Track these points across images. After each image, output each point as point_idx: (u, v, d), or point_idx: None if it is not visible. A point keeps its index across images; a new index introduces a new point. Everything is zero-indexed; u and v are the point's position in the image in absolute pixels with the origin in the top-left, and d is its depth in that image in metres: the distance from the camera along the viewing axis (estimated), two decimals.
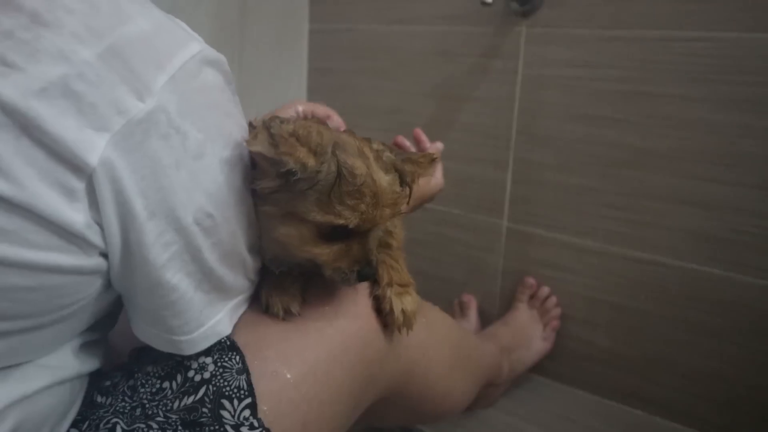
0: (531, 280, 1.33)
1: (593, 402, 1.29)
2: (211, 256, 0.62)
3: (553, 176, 1.26)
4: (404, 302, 0.80)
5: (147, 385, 0.66)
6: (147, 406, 0.64)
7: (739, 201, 1.05)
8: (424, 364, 0.90)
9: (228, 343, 0.68)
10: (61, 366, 0.63)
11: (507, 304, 1.38)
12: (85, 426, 0.64)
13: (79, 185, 0.51)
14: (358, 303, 0.79)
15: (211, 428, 0.62)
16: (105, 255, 0.56)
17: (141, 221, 0.55)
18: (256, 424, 0.63)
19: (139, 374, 0.68)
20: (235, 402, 0.64)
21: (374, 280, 0.82)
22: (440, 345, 0.95)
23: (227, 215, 0.62)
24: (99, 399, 0.68)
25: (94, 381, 0.70)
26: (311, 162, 0.64)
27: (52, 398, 0.62)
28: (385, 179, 0.70)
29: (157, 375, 0.67)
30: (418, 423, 1.05)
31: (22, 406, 0.58)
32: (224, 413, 0.63)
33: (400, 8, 1.42)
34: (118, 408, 0.65)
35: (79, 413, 0.66)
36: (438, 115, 1.39)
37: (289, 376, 0.68)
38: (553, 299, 1.31)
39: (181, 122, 0.55)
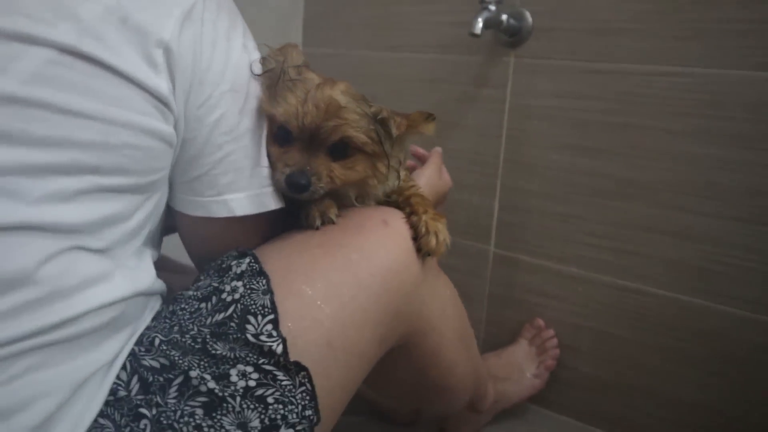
0: (540, 322, 1.33)
1: (577, 428, 1.30)
2: (248, 122, 0.76)
3: (539, 204, 1.27)
4: (438, 227, 0.85)
5: (186, 307, 0.74)
6: (183, 324, 0.72)
7: (718, 232, 1.07)
8: (441, 321, 0.94)
9: (257, 268, 0.75)
10: (146, 279, 0.74)
11: (493, 330, 1.39)
12: (133, 341, 0.71)
13: (160, 59, 0.66)
14: (390, 233, 0.84)
15: (235, 336, 0.69)
16: (175, 128, 0.70)
17: (195, 86, 0.70)
18: (274, 333, 0.70)
19: (181, 300, 0.75)
20: (259, 317, 0.70)
21: (410, 213, 0.87)
22: (455, 313, 1.00)
23: (256, 87, 0.78)
24: (147, 313, 0.75)
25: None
26: (272, 57, 0.80)
27: (137, 308, 0.72)
28: (338, 95, 0.78)
29: (195, 298, 0.74)
30: (421, 396, 1.04)
31: (127, 303, 0.68)
32: (248, 327, 0.70)
33: (392, 36, 1.44)
34: (159, 327, 0.72)
35: None
36: (427, 141, 1.41)
37: (313, 295, 0.74)
38: (555, 341, 1.31)
39: (209, 14, 0.71)
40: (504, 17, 1.20)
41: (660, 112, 1.09)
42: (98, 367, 0.65)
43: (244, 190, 0.76)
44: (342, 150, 0.80)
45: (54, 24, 0.60)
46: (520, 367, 1.30)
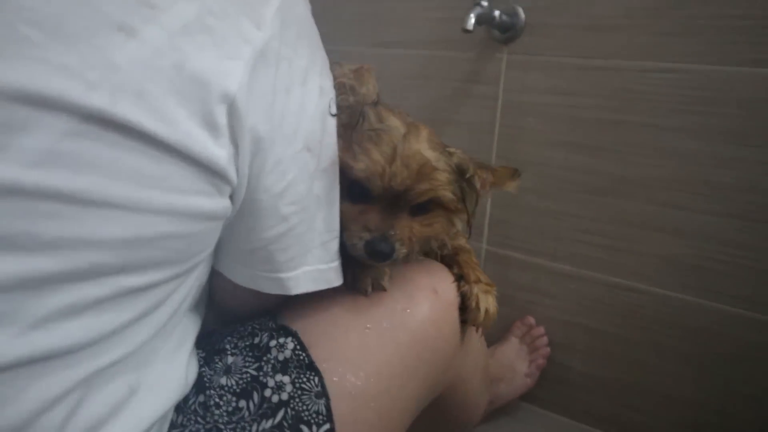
0: (531, 320, 1.33)
1: (570, 427, 1.30)
2: (320, 186, 0.62)
3: (532, 201, 1.27)
4: (488, 302, 0.80)
5: (222, 404, 0.62)
6: (223, 429, 0.60)
7: (712, 229, 1.07)
8: (471, 371, 0.89)
9: (306, 361, 0.65)
10: (176, 387, 0.61)
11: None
12: None
13: (223, 118, 0.49)
14: (439, 304, 0.76)
15: None
16: (231, 197, 0.55)
17: (265, 148, 0.54)
18: None
19: (212, 390, 0.63)
20: (314, 428, 0.61)
21: (460, 277, 0.80)
22: (483, 355, 0.95)
23: (329, 141, 0.63)
24: (172, 417, 0.62)
25: None
26: (347, 87, 0.67)
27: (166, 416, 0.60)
28: (426, 150, 0.68)
29: (231, 391, 0.63)
30: (444, 426, 1.02)
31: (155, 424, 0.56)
32: None
33: (384, 32, 1.43)
34: (192, 430, 0.61)
35: None
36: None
37: (364, 391, 0.66)
38: (545, 339, 1.31)
39: (287, 50, 0.55)
40: (497, 13, 1.19)
41: (653, 109, 1.08)
42: None
43: (304, 266, 0.63)
44: (422, 207, 0.71)
45: (78, 77, 0.43)
46: (513, 367, 1.29)
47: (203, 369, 0.66)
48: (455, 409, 0.91)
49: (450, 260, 0.83)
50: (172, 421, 0.62)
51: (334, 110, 0.64)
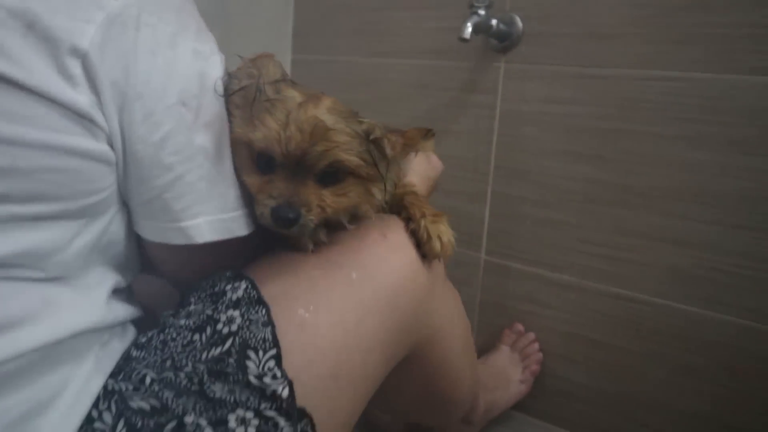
0: (520, 327, 1.31)
1: None
2: (203, 139, 0.67)
3: (531, 211, 1.26)
4: (440, 230, 0.81)
5: (178, 338, 0.68)
6: (176, 358, 0.66)
7: (715, 239, 1.06)
8: (449, 331, 0.91)
9: (255, 296, 0.69)
10: (92, 314, 0.66)
11: (484, 338, 1.37)
12: (120, 377, 0.66)
13: (77, 70, 0.58)
14: (390, 246, 0.79)
15: (236, 377, 0.64)
16: (111, 145, 0.63)
17: (130, 100, 0.61)
18: (279, 374, 0.64)
19: (171, 328, 0.69)
20: (260, 353, 0.65)
21: (407, 217, 0.82)
22: (461, 322, 0.97)
23: (210, 98, 0.68)
24: (134, 353, 0.69)
25: (134, 337, 0.73)
26: (245, 70, 0.72)
27: (80, 345, 0.65)
28: (323, 115, 0.69)
29: (188, 327, 0.68)
30: (425, 409, 1.02)
31: (48, 349, 0.61)
32: (249, 363, 0.64)
33: (382, 41, 1.42)
34: (150, 361, 0.66)
35: (117, 366, 0.68)
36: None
37: (316, 324, 0.69)
38: (536, 345, 1.30)
39: (149, 17, 0.63)
40: (494, 22, 1.18)
41: (654, 118, 1.08)
42: (35, 404, 0.59)
43: (203, 215, 0.68)
44: (332, 175, 0.71)
45: None
46: (506, 375, 1.28)
47: (168, 316, 0.72)
48: (435, 368, 0.91)
49: (399, 209, 0.85)
50: (134, 356, 0.68)
51: (220, 90, 0.70)
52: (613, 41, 1.11)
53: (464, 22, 1.12)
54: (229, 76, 0.73)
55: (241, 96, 0.71)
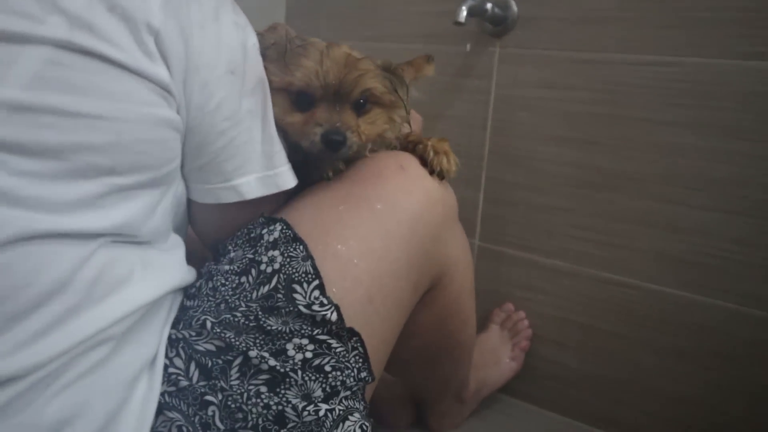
0: (510, 306, 1.32)
1: (563, 424, 1.28)
2: (250, 103, 0.72)
3: (525, 196, 1.26)
4: (445, 147, 0.89)
5: (227, 283, 0.73)
6: (229, 300, 0.71)
7: (707, 224, 1.06)
8: (463, 266, 0.97)
9: (291, 235, 0.75)
10: (178, 273, 0.74)
11: (478, 323, 1.37)
12: (180, 326, 0.71)
13: (152, 46, 0.62)
14: (408, 177, 0.85)
15: (287, 309, 0.70)
16: (179, 112, 0.67)
17: (191, 72, 0.66)
18: (325, 301, 0.71)
19: (218, 275, 0.75)
20: (305, 285, 0.71)
21: (413, 146, 0.90)
22: (469, 264, 1.02)
23: (252, 65, 0.73)
24: (187, 303, 0.74)
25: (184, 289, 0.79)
26: (266, 38, 0.80)
27: (166, 302, 0.71)
28: (347, 51, 0.80)
29: (233, 272, 0.74)
30: (435, 353, 1.05)
31: (160, 300, 0.69)
32: (297, 296, 0.70)
33: (375, 26, 1.42)
34: (204, 307, 0.72)
35: (175, 317, 0.73)
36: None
37: (348, 253, 0.76)
38: (526, 321, 1.30)
39: None
40: (489, 6, 1.18)
41: (647, 103, 1.07)
42: (145, 360, 0.66)
43: (253, 173, 0.74)
44: (362, 106, 0.81)
45: (42, 19, 0.56)
46: (496, 353, 1.29)
47: (212, 266, 0.77)
48: (451, 305, 0.97)
49: (406, 145, 0.93)
50: (188, 305, 0.74)
51: (256, 48, 0.75)
52: (607, 26, 1.10)
53: (459, 6, 1.12)
54: (260, 37, 0.79)
55: (273, 51, 0.79)
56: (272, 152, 0.76)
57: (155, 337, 0.68)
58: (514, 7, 1.20)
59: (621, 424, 1.22)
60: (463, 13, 1.11)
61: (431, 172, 0.87)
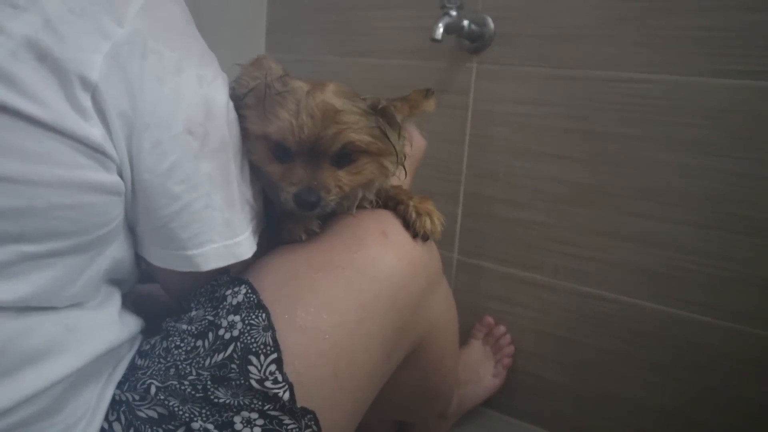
0: (489, 319, 1.32)
1: None
2: (209, 166, 0.67)
3: (502, 210, 1.27)
4: (428, 209, 0.84)
5: (182, 345, 0.69)
6: (180, 366, 0.67)
7: (680, 238, 1.07)
8: (444, 326, 0.93)
9: (255, 301, 0.70)
10: (110, 331, 0.68)
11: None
12: (125, 387, 0.67)
13: (88, 103, 0.56)
14: (391, 245, 0.80)
15: (238, 382, 0.65)
16: (121, 175, 0.62)
17: (138, 131, 0.60)
18: (280, 378, 0.66)
19: (175, 335, 0.70)
20: (262, 357, 0.66)
21: (396, 205, 0.85)
22: (453, 317, 0.99)
23: (216, 124, 0.67)
24: (138, 362, 0.71)
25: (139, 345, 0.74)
26: (248, 75, 0.75)
27: (100, 365, 0.66)
28: (331, 98, 0.73)
29: (191, 333, 0.69)
30: (413, 404, 1.03)
31: (75, 375, 0.62)
32: (251, 368, 0.66)
33: (354, 41, 1.43)
34: (154, 370, 0.67)
35: (123, 375, 0.70)
36: None
37: (317, 326, 0.70)
38: (508, 337, 1.31)
39: (155, 44, 0.61)
40: (465, 23, 1.19)
41: (621, 119, 1.09)
42: (64, 428, 0.61)
43: (210, 243, 0.68)
44: (346, 156, 0.75)
45: None
46: (479, 369, 1.29)
47: (170, 324, 0.73)
48: (433, 363, 0.93)
49: (387, 200, 0.88)
50: (138, 365, 0.70)
51: (230, 101, 0.71)
52: (582, 43, 1.12)
53: (436, 23, 1.13)
54: (235, 83, 0.75)
55: (252, 96, 0.74)
56: (232, 219, 0.70)
57: (89, 402, 0.64)
58: (491, 24, 1.21)
59: None
60: (440, 30, 1.12)
61: (414, 235, 0.83)
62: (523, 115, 1.20)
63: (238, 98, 0.74)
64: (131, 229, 0.69)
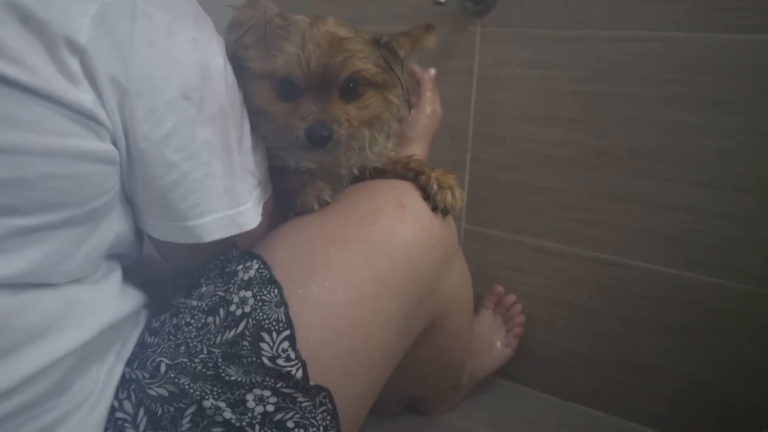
0: (499, 288, 1.31)
1: (554, 404, 1.29)
2: (207, 133, 0.64)
3: (510, 177, 1.25)
4: (450, 182, 0.82)
5: (192, 322, 0.67)
6: (191, 344, 0.66)
7: (694, 200, 1.05)
8: (461, 300, 0.92)
9: (267, 276, 0.68)
10: (112, 307, 0.66)
11: None
12: (135, 365, 0.66)
13: (76, 67, 0.54)
14: (408, 217, 0.78)
15: (249, 360, 0.63)
16: (115, 143, 0.59)
17: (131, 97, 0.57)
18: (293, 355, 0.64)
19: (185, 312, 0.69)
20: (274, 334, 0.65)
21: (416, 175, 0.83)
22: (469, 290, 0.97)
23: (213, 89, 0.64)
24: (148, 339, 0.69)
25: (147, 321, 0.73)
26: (244, 15, 0.72)
27: (105, 341, 0.65)
28: (334, 28, 0.71)
29: (201, 310, 0.68)
30: (432, 379, 1.03)
31: (78, 352, 0.60)
32: (263, 345, 0.64)
33: (354, 8, 1.39)
34: (164, 348, 0.66)
35: (132, 353, 0.68)
36: None
37: (332, 301, 0.69)
38: (518, 306, 1.29)
39: (144, 5, 0.58)
40: None
41: (633, 79, 1.06)
42: (70, 408, 0.60)
43: (211, 213, 0.66)
44: (353, 89, 0.74)
45: None
46: (490, 339, 1.28)
47: (179, 300, 0.71)
48: (451, 339, 0.92)
49: (407, 171, 0.86)
50: (148, 342, 0.68)
51: (232, 36, 0.70)
52: (589, 2, 1.08)
53: None
54: (230, 27, 0.74)
55: (251, 35, 0.72)
56: (234, 188, 0.68)
57: (97, 380, 0.63)
58: None
59: (611, 403, 1.23)
60: None
61: (434, 208, 0.81)
62: (530, 79, 1.17)
63: (233, 41, 0.72)
64: (130, 201, 0.67)
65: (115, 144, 0.59)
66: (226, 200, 0.67)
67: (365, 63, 0.72)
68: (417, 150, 0.93)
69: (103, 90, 0.56)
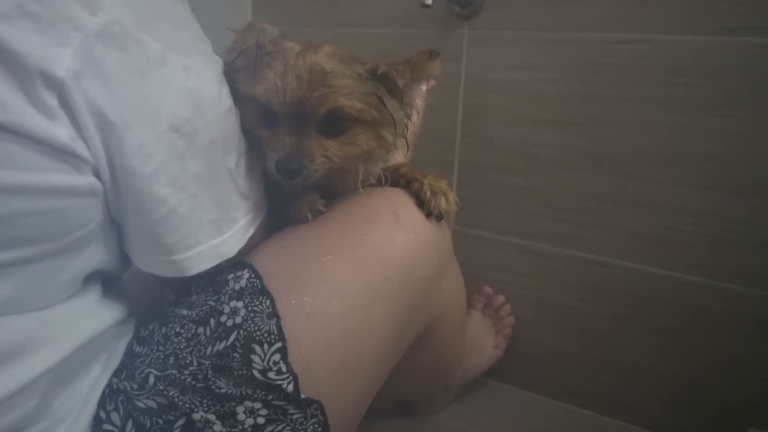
0: (488, 289, 1.31)
1: (543, 404, 1.29)
2: (197, 166, 0.62)
3: (498, 178, 1.25)
4: (443, 188, 0.82)
5: (182, 332, 0.66)
6: (180, 355, 0.64)
7: (679, 201, 1.06)
8: (454, 307, 0.91)
9: (259, 286, 0.67)
10: (90, 321, 0.63)
11: None
12: (123, 376, 0.65)
13: (53, 101, 0.51)
14: (403, 226, 0.77)
15: (240, 372, 0.62)
16: (98, 175, 0.57)
17: (119, 132, 0.55)
18: (284, 368, 0.63)
19: (174, 321, 0.68)
20: (266, 346, 0.63)
21: (408, 182, 0.82)
22: (462, 297, 0.96)
23: (205, 120, 0.62)
24: (137, 348, 0.68)
25: (135, 330, 0.72)
26: (241, 40, 0.72)
27: (86, 354, 0.63)
28: (322, 60, 0.68)
29: (191, 320, 0.67)
30: (422, 383, 1.02)
31: (56, 369, 0.58)
32: (254, 358, 0.63)
33: (342, 11, 1.39)
34: (152, 358, 0.65)
35: (120, 362, 0.67)
36: None
37: (326, 314, 0.67)
38: (508, 308, 1.30)
39: (137, 33, 0.56)
40: None
41: (618, 81, 1.07)
42: (53, 423, 0.58)
43: (197, 246, 0.65)
44: (336, 124, 0.71)
45: None
46: (479, 340, 1.28)
47: (169, 309, 0.70)
48: (443, 346, 0.92)
49: (398, 177, 0.84)
50: (137, 352, 0.67)
51: (227, 59, 0.69)
52: (576, 4, 1.09)
53: None
54: (228, 50, 0.73)
55: (243, 58, 0.71)
56: (219, 218, 0.66)
57: (80, 393, 0.61)
58: None
59: (600, 402, 1.24)
60: None
61: (428, 214, 0.80)
62: (518, 81, 1.18)
63: (228, 66, 0.71)
64: (119, 226, 0.65)
65: (98, 176, 0.57)
66: (210, 231, 0.66)
67: (349, 99, 0.69)
68: (402, 156, 0.92)
69: (83, 123, 0.54)
